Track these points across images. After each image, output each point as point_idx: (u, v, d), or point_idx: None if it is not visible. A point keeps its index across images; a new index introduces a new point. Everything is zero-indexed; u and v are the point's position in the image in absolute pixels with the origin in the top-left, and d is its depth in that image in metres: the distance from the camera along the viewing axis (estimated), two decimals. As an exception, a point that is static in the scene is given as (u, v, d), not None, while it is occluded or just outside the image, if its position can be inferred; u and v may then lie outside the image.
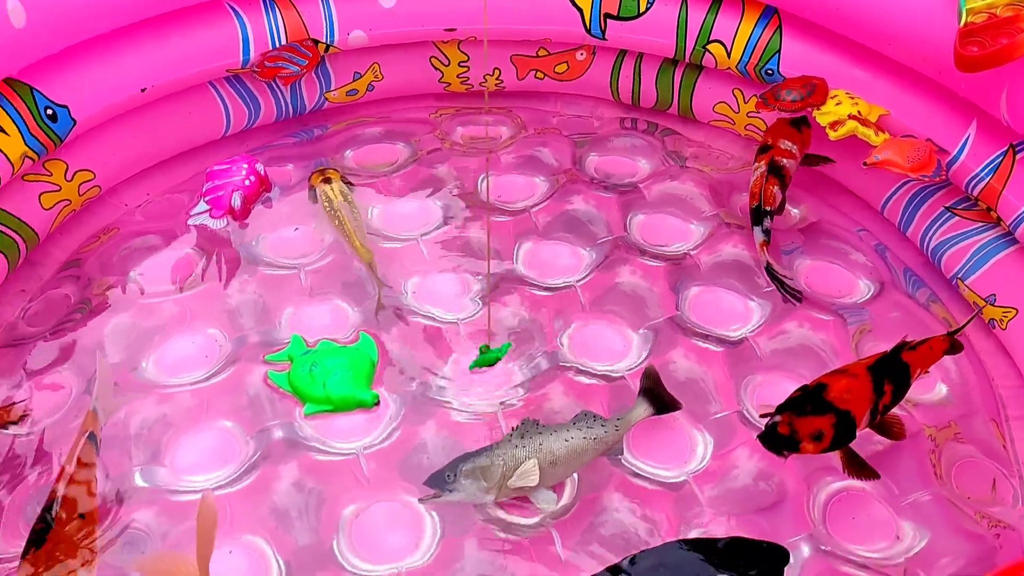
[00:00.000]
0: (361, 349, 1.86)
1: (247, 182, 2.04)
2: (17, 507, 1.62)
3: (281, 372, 1.82)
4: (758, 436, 1.50)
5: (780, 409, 1.49)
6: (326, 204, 2.10)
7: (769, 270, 2.03)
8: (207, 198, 2.02)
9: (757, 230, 2.08)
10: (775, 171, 2.11)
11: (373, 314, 1.95)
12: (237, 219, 2.02)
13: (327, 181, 2.15)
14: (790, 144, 2.15)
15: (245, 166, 2.06)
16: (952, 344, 1.73)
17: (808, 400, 1.50)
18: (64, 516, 1.36)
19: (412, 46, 2.54)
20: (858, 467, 1.58)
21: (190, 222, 2.04)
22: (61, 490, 1.37)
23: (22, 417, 1.77)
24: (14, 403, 1.78)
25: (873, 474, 1.58)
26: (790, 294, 2.01)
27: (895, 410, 1.64)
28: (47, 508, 1.35)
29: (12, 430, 1.73)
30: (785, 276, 2.04)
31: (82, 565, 1.36)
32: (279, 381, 1.81)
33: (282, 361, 1.84)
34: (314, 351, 1.85)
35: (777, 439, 1.47)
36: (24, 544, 1.33)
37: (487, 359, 1.80)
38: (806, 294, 2.03)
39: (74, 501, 1.38)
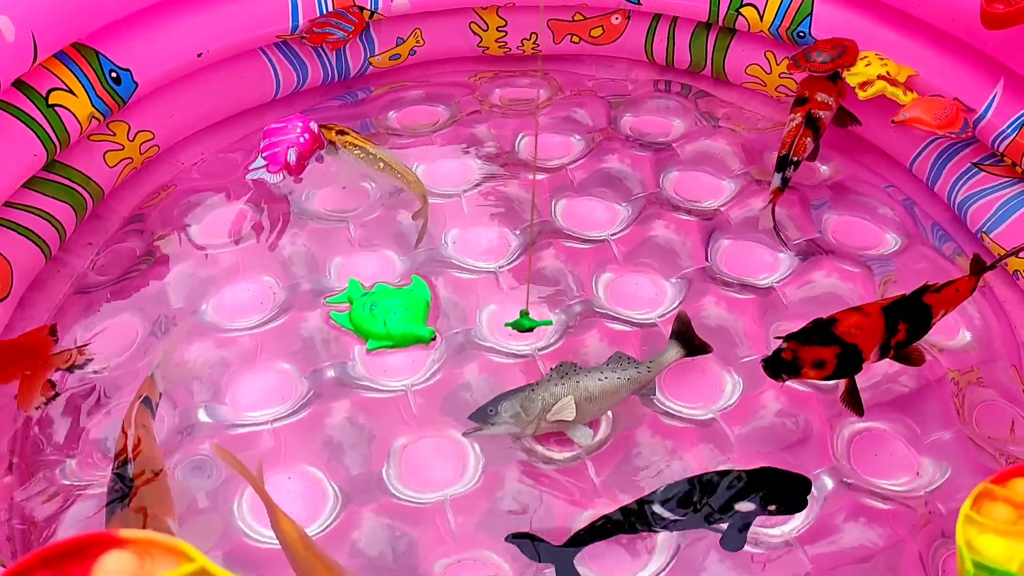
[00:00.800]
0: (415, 290, 1.98)
1: (302, 139, 2.14)
2: (92, 440, 1.75)
3: (342, 312, 1.94)
4: (762, 360, 1.60)
5: (788, 337, 1.59)
6: (359, 152, 2.20)
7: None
8: (264, 154, 2.12)
9: (777, 176, 2.14)
10: (811, 123, 2.17)
11: (420, 266, 2.06)
12: (292, 174, 2.13)
13: (343, 133, 2.24)
14: (826, 96, 2.20)
15: (300, 124, 2.17)
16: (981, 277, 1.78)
17: (816, 331, 1.59)
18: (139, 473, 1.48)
19: (452, 12, 2.63)
20: (852, 400, 1.68)
21: (249, 176, 2.15)
22: (130, 451, 1.48)
23: (87, 360, 1.89)
24: (80, 347, 1.91)
25: (859, 411, 1.68)
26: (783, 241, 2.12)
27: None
28: (120, 471, 1.47)
29: (87, 368, 1.86)
30: (781, 230, 2.13)
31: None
32: (341, 320, 1.93)
33: (341, 303, 1.96)
34: (371, 293, 1.97)
35: (780, 364, 1.58)
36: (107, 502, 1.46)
37: (521, 324, 1.84)
38: (834, 246, 2.10)
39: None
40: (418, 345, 1.90)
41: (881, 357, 1.65)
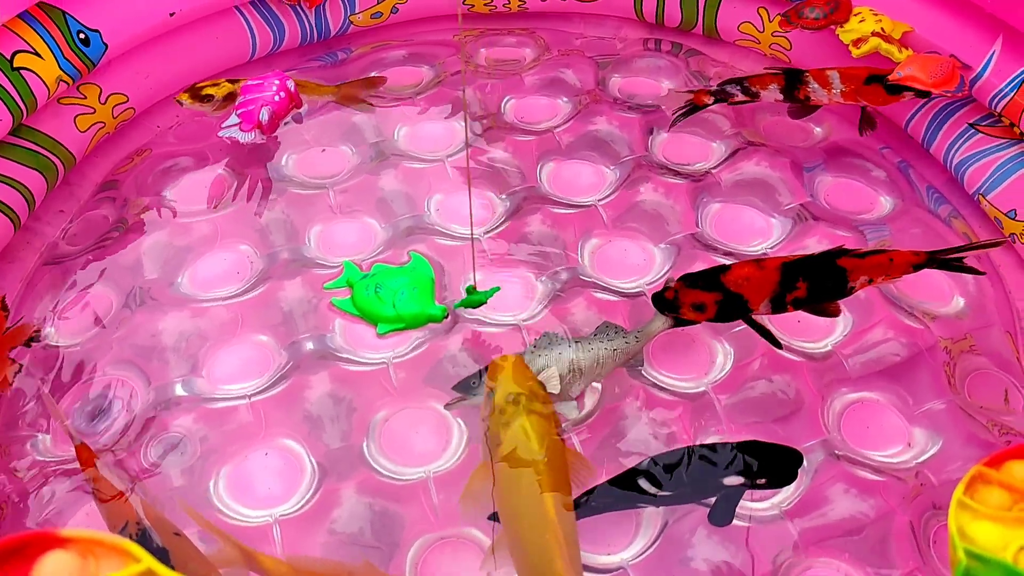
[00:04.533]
0: (417, 268, 1.90)
1: (276, 98, 2.08)
2: (66, 414, 1.71)
3: (343, 299, 1.86)
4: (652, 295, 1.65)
5: (680, 278, 1.64)
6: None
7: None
8: (238, 111, 2.06)
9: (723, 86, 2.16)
10: (791, 88, 2.12)
11: (401, 234, 2.00)
12: (265, 133, 2.07)
13: None
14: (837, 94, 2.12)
15: (276, 82, 2.11)
16: (932, 261, 1.69)
17: (703, 277, 1.63)
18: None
19: (437, -33, 2.55)
20: (761, 331, 1.69)
21: (221, 134, 2.08)
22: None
23: (37, 331, 1.84)
24: (26, 324, 1.85)
25: (775, 343, 1.68)
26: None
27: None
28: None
29: (46, 340, 1.81)
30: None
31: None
32: (344, 306, 1.85)
33: (340, 287, 1.89)
34: (371, 275, 1.89)
35: (662, 301, 1.66)
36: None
37: (472, 300, 1.81)
38: (827, 211, 2.05)
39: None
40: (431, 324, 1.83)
41: (775, 311, 1.65)
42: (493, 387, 1.38)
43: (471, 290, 1.79)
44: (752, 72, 2.24)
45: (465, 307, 1.80)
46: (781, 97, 2.13)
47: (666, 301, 1.66)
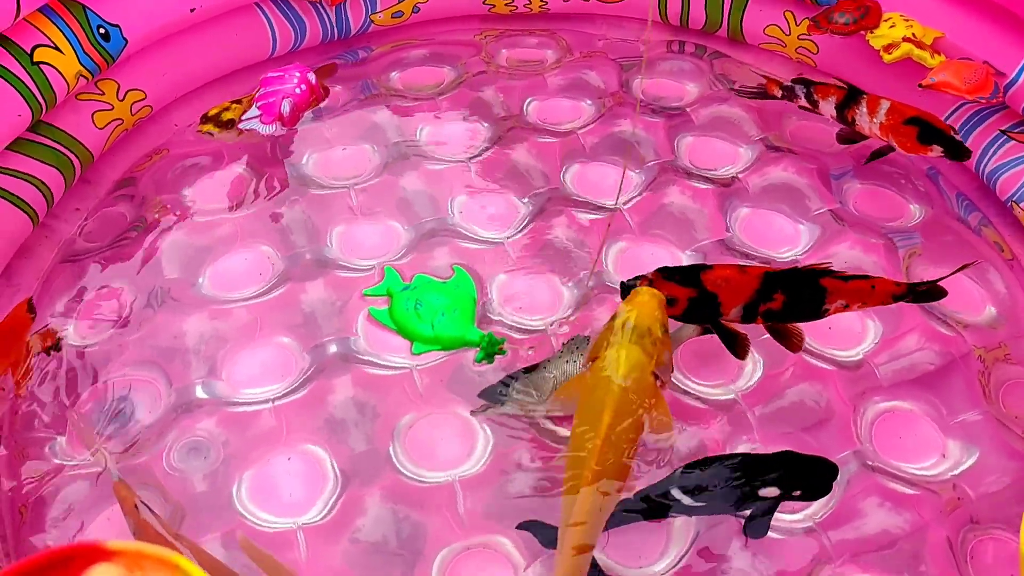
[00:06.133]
0: (461, 286, 1.85)
1: (298, 90, 2.05)
2: (83, 416, 1.68)
3: (381, 309, 1.82)
4: (621, 281, 1.59)
5: (657, 269, 1.57)
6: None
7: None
8: (258, 104, 2.03)
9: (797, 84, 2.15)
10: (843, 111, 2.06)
11: (424, 236, 1.97)
12: (286, 125, 2.04)
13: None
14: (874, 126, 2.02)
15: (297, 75, 2.08)
16: (912, 294, 1.65)
17: (681, 271, 1.57)
18: None
19: (458, -33, 2.52)
20: (728, 339, 1.62)
21: (241, 126, 2.04)
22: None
23: (59, 340, 1.80)
24: (48, 331, 1.81)
25: (738, 353, 1.62)
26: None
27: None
28: None
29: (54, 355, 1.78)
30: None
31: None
32: (381, 318, 1.80)
33: (380, 296, 1.84)
34: (413, 287, 1.84)
35: (632, 289, 1.55)
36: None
37: (492, 348, 1.76)
38: (857, 218, 2.02)
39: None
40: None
41: (746, 320, 1.60)
42: (621, 310, 1.41)
43: (490, 339, 1.75)
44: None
45: (486, 360, 1.75)
46: (835, 113, 2.08)
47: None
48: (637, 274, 1.58)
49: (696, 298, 1.56)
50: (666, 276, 1.57)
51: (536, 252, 1.95)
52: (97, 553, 0.68)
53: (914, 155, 2.02)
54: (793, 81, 2.16)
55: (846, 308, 1.62)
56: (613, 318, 1.43)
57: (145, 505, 1.36)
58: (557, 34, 2.64)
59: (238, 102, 2.09)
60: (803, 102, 2.13)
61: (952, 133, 1.91)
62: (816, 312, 1.61)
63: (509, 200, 2.08)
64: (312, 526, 1.51)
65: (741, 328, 1.62)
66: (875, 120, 1.98)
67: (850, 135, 2.08)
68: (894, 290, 1.62)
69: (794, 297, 1.58)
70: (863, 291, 1.61)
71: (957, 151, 1.90)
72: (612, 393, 1.32)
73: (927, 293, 1.65)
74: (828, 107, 2.07)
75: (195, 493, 1.54)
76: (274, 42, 2.41)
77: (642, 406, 1.35)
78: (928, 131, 1.91)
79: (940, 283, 1.65)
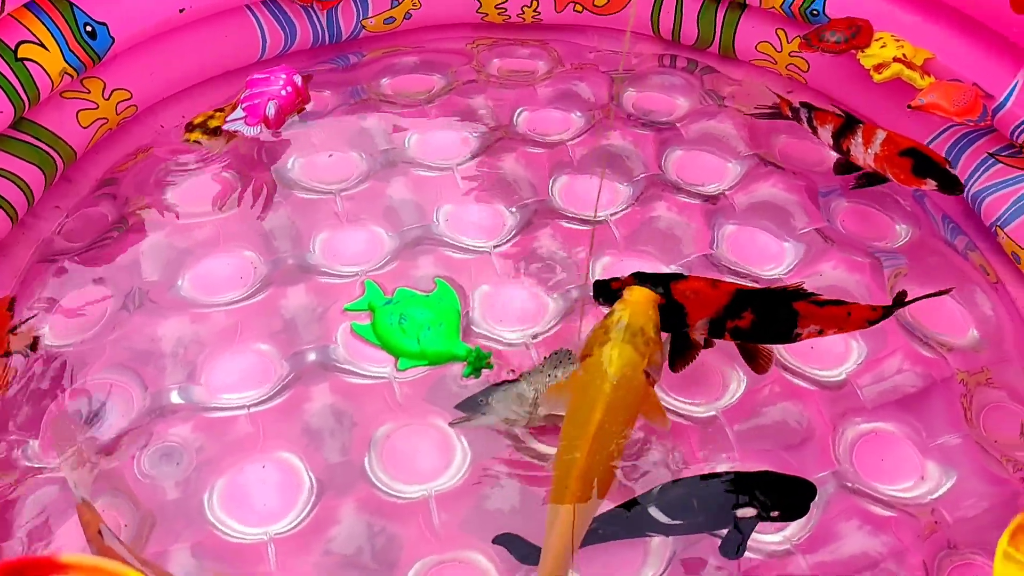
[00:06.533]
0: (444, 299, 1.82)
1: (283, 92, 2.04)
2: (55, 419, 1.65)
3: (364, 324, 1.79)
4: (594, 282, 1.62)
5: (632, 274, 1.59)
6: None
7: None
8: (243, 105, 2.02)
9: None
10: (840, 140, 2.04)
11: (409, 244, 1.95)
12: (271, 127, 2.03)
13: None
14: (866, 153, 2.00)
15: (283, 77, 2.06)
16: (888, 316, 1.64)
17: (653, 279, 1.57)
18: None
19: (451, -26, 2.52)
20: (678, 348, 1.62)
21: (226, 127, 2.03)
22: None
23: (36, 339, 1.78)
24: (24, 331, 1.79)
25: (677, 367, 1.62)
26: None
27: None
28: None
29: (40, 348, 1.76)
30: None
31: None
32: (364, 333, 1.77)
33: (362, 310, 1.82)
34: (395, 301, 1.81)
35: (606, 289, 1.60)
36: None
37: (480, 363, 1.74)
38: (843, 236, 2.02)
39: None
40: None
41: (712, 334, 1.60)
42: (615, 309, 1.43)
43: (477, 354, 1.73)
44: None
45: (471, 375, 1.73)
46: (831, 141, 2.05)
47: (609, 290, 1.61)
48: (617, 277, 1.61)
49: (663, 306, 1.55)
50: (639, 280, 1.58)
51: (521, 263, 1.94)
52: (50, 566, 0.66)
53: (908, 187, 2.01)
54: (800, 104, 2.14)
55: (821, 334, 1.60)
56: (607, 316, 1.44)
57: (110, 531, 1.33)
58: (549, 45, 2.63)
59: (220, 110, 2.08)
60: (804, 127, 2.13)
61: (947, 166, 1.89)
62: (787, 335, 1.60)
63: (496, 210, 2.07)
64: (284, 536, 1.48)
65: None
66: (870, 150, 1.96)
67: (847, 166, 2.06)
68: (870, 315, 1.61)
69: (763, 317, 1.57)
70: (838, 317, 1.59)
71: (951, 185, 1.88)
72: (603, 391, 1.33)
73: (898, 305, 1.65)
74: (826, 134, 2.07)
75: (166, 500, 1.51)
76: (264, 45, 2.40)
77: (633, 403, 1.37)
78: (923, 164, 1.88)
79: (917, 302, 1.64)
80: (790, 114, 2.16)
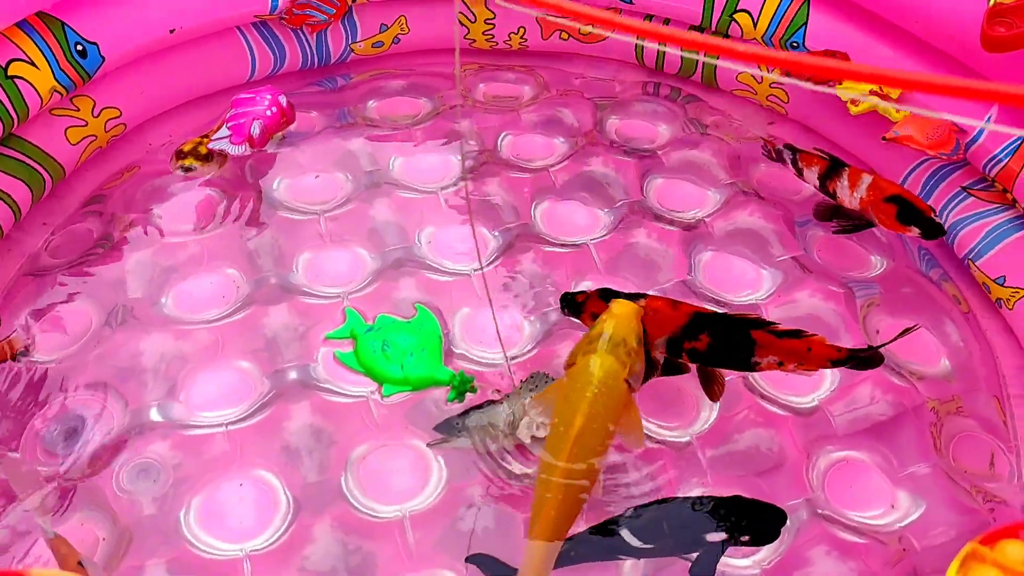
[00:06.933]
0: (425, 324, 1.84)
1: (268, 112, 2.07)
2: (36, 433, 1.66)
3: (347, 352, 1.81)
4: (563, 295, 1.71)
5: (597, 289, 1.69)
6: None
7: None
8: (229, 124, 2.05)
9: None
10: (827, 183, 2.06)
11: (392, 265, 1.98)
12: (255, 147, 2.05)
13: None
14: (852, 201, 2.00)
15: (268, 97, 2.10)
16: (853, 360, 1.61)
17: (616, 295, 1.62)
18: None
19: (439, 1, 2.55)
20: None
21: (210, 146, 2.06)
22: None
23: (27, 347, 1.80)
24: (15, 338, 1.80)
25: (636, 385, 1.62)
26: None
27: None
28: None
29: (31, 355, 1.77)
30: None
31: None
32: (348, 361, 1.79)
33: (344, 338, 1.83)
34: (377, 328, 1.83)
35: (572, 302, 1.71)
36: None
37: (464, 388, 1.76)
38: (818, 266, 2.05)
39: None
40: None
41: (669, 353, 1.62)
42: (600, 320, 1.47)
43: (461, 378, 1.75)
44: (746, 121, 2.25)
45: (455, 400, 1.75)
46: (817, 184, 2.07)
47: (575, 303, 1.70)
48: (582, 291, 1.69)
49: None
50: (602, 296, 1.64)
51: (502, 286, 1.97)
52: (17, 581, 0.68)
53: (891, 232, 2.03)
54: (784, 146, 2.17)
55: (781, 366, 1.60)
56: (592, 327, 1.48)
57: (92, 562, 1.35)
58: (535, 71, 2.67)
59: (207, 136, 2.10)
60: (791, 168, 2.15)
61: (931, 214, 1.90)
62: (746, 363, 1.61)
63: (479, 233, 2.10)
64: (260, 553, 1.50)
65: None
66: (855, 194, 1.97)
67: (827, 211, 2.07)
68: (833, 355, 1.59)
69: (719, 341, 1.59)
70: (798, 352, 1.58)
71: (934, 233, 1.90)
72: (585, 398, 1.36)
73: (868, 360, 1.63)
74: (812, 176, 2.08)
75: (143, 516, 1.53)
76: (253, 66, 2.43)
77: (614, 410, 1.40)
78: (907, 211, 1.90)
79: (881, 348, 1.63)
80: (774, 156, 2.19)
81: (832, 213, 2.07)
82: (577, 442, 1.33)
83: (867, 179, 1.96)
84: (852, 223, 2.04)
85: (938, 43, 2.06)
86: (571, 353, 1.47)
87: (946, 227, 2.07)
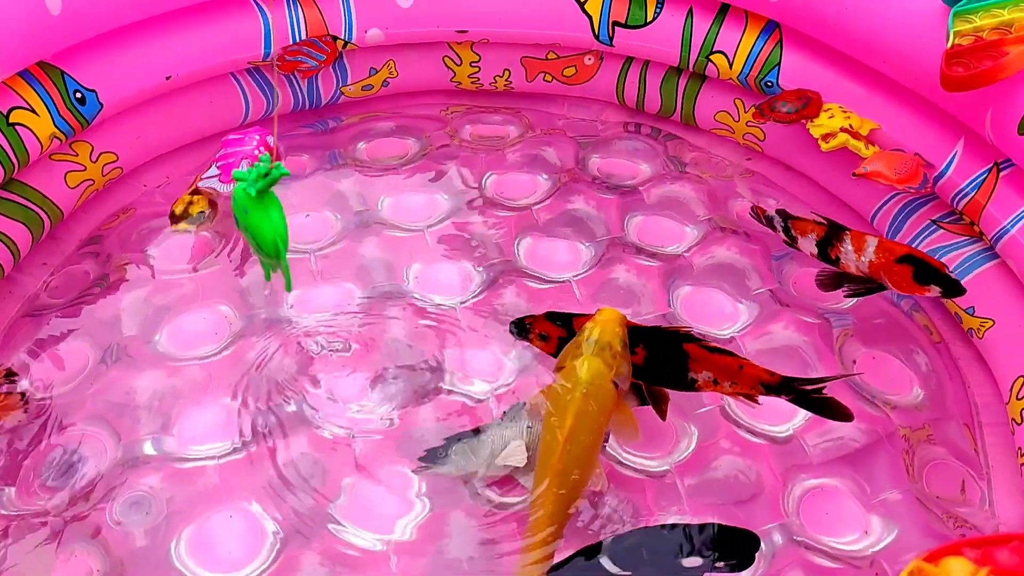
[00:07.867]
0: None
1: (256, 152, 2.15)
2: (33, 468, 1.71)
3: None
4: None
5: (545, 312, 1.79)
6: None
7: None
8: (218, 163, 2.12)
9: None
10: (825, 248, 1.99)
11: (379, 298, 2.04)
12: None
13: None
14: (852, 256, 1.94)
15: (257, 138, 2.18)
16: (788, 389, 1.62)
17: (561, 316, 1.75)
18: None
19: (426, 45, 2.64)
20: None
21: (200, 185, 2.12)
22: None
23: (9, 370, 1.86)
24: (18, 392, 1.85)
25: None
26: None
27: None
28: None
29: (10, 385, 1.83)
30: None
31: None
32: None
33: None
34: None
35: (520, 324, 1.82)
36: None
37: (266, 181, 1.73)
38: (793, 299, 2.11)
39: None
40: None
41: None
42: (586, 327, 1.59)
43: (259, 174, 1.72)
44: (725, 159, 2.30)
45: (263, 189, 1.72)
46: (815, 251, 2.00)
47: (523, 326, 1.81)
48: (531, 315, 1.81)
49: (564, 338, 1.70)
50: (547, 317, 1.76)
51: (486, 319, 2.03)
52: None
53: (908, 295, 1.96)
54: (776, 212, 2.14)
55: (716, 385, 1.63)
56: (579, 334, 1.59)
57: None
58: (520, 112, 2.75)
59: (196, 192, 2.15)
60: (782, 236, 2.10)
61: (946, 271, 1.83)
62: (683, 379, 1.65)
63: (464, 268, 2.16)
64: (247, 585, 1.54)
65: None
66: (863, 257, 1.89)
67: (832, 280, 1.99)
68: (765, 378, 1.60)
69: (654, 355, 1.64)
70: (730, 369, 1.61)
71: (954, 290, 1.82)
72: (575, 399, 1.49)
73: (810, 401, 1.62)
74: (808, 244, 2.01)
75: (136, 548, 1.57)
76: (247, 110, 2.51)
77: (603, 410, 1.52)
78: (924, 271, 1.82)
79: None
80: (764, 222, 2.17)
81: (838, 280, 1.98)
82: (570, 438, 1.46)
83: (873, 241, 1.89)
84: (864, 287, 1.94)
85: (905, 81, 2.14)
86: (560, 357, 1.60)
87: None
